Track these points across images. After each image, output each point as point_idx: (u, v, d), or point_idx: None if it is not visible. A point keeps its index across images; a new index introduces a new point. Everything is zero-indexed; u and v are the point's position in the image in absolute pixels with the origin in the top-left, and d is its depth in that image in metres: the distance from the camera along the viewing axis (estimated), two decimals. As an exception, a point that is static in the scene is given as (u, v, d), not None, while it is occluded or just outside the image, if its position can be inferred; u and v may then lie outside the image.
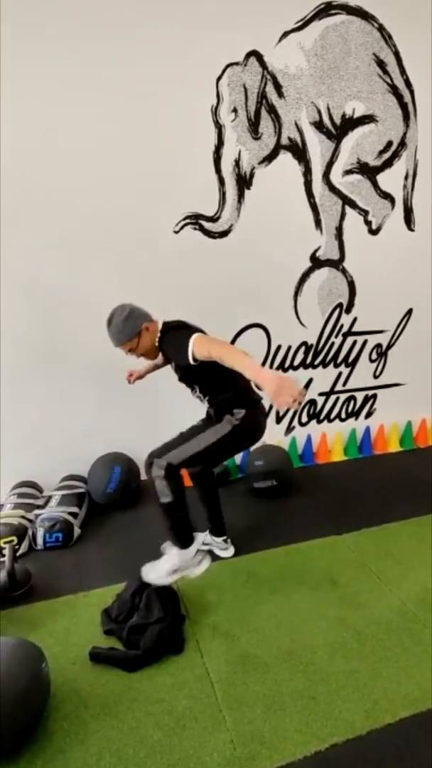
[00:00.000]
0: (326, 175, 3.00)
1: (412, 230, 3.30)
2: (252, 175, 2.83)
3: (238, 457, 3.26)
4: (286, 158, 2.88)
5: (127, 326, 1.83)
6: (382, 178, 3.13)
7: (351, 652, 1.76)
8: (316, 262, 3.14)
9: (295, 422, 3.43)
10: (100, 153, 2.52)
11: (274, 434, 3.37)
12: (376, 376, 3.56)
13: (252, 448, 3.16)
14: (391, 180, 3.15)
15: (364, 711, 1.53)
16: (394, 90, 3.00)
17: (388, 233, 3.23)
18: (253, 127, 2.77)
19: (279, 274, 3.08)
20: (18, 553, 2.33)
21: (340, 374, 3.45)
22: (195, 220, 2.78)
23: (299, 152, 2.90)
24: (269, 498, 2.87)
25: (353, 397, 3.55)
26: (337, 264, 3.19)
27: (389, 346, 3.51)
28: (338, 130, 2.95)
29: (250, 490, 2.93)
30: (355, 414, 3.60)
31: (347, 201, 3.09)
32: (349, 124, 2.96)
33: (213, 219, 2.82)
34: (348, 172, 3.04)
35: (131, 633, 1.77)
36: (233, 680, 1.65)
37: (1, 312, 2.57)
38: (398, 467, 3.34)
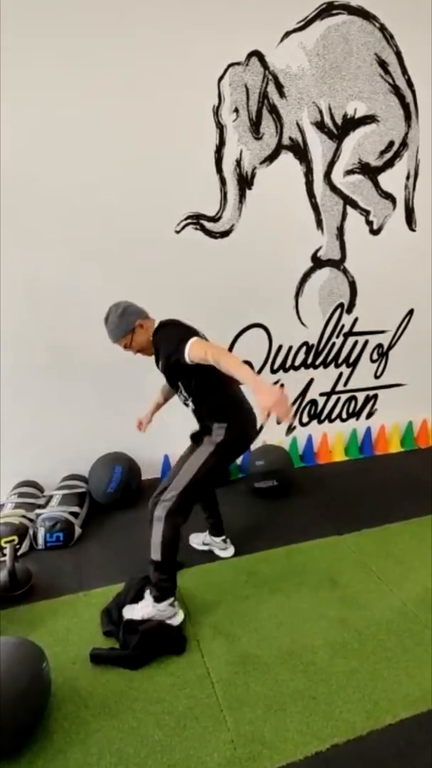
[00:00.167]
0: (327, 175, 3.00)
1: (414, 230, 3.30)
2: (253, 175, 2.83)
3: (239, 458, 3.26)
4: (287, 158, 2.88)
5: (122, 323, 1.83)
6: (384, 179, 3.13)
7: (352, 652, 1.75)
8: (318, 262, 3.14)
9: (296, 422, 3.43)
10: (101, 153, 2.52)
11: (275, 434, 3.36)
12: (377, 377, 3.56)
13: (253, 448, 3.17)
14: (392, 180, 3.15)
15: (365, 711, 1.53)
16: (396, 90, 3.00)
17: (389, 233, 3.23)
18: (255, 127, 2.77)
19: (280, 274, 3.08)
20: (19, 553, 2.33)
21: (341, 374, 3.45)
22: (196, 220, 2.78)
23: (301, 152, 2.90)
24: (270, 498, 2.87)
25: (354, 398, 3.54)
26: (338, 264, 3.19)
27: (390, 347, 3.51)
28: (340, 130, 2.95)
29: (250, 490, 2.92)
30: (356, 414, 3.59)
31: (348, 201, 3.09)
32: (351, 124, 2.96)
33: (214, 219, 2.82)
34: (349, 172, 3.04)
35: (125, 632, 1.77)
36: (234, 680, 1.65)
37: (1, 312, 2.57)
38: (399, 467, 3.34)
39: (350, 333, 3.37)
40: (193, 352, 1.64)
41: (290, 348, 3.24)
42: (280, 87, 2.76)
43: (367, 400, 3.58)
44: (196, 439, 1.90)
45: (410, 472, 3.26)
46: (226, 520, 2.34)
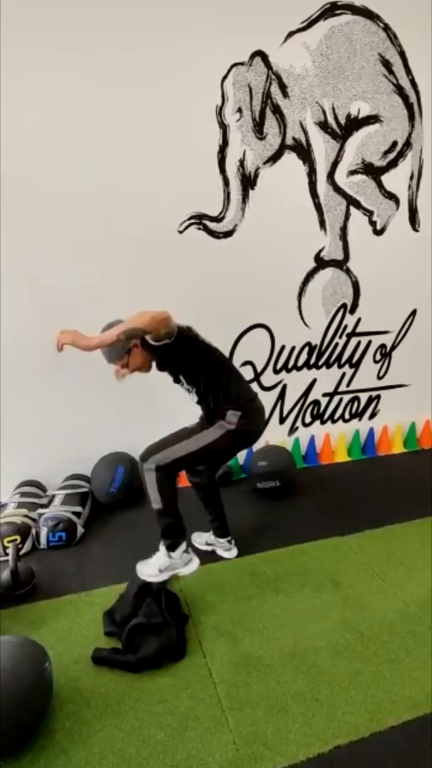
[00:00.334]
0: (331, 176, 2.99)
1: (417, 230, 3.29)
2: (256, 175, 2.83)
3: (242, 458, 3.26)
4: (290, 158, 2.88)
5: (116, 346, 1.84)
6: (387, 179, 3.12)
7: (354, 653, 1.75)
8: (321, 263, 3.13)
9: (299, 423, 3.43)
10: (103, 153, 2.52)
11: (277, 435, 3.36)
12: (380, 377, 3.55)
13: (255, 449, 3.17)
14: (396, 180, 3.14)
15: (367, 713, 1.53)
16: (400, 90, 2.99)
17: (392, 234, 3.23)
18: (258, 127, 2.76)
19: (283, 275, 3.08)
20: (21, 552, 2.34)
21: (344, 375, 3.44)
22: (199, 220, 2.78)
23: (304, 152, 2.90)
24: (272, 499, 2.87)
25: (357, 398, 3.54)
26: (341, 264, 3.19)
27: (393, 347, 3.50)
28: (343, 130, 2.94)
29: (253, 490, 2.92)
30: (359, 415, 3.59)
31: (352, 201, 3.08)
32: (354, 124, 2.95)
33: (217, 219, 2.81)
34: (353, 173, 3.03)
35: (131, 635, 1.76)
36: (236, 681, 1.65)
37: (5, 312, 2.58)
38: (402, 468, 3.34)
39: (353, 333, 3.36)
40: (142, 321, 1.65)
41: (293, 348, 3.24)
42: (283, 87, 2.76)
43: (369, 400, 3.58)
44: (209, 420, 1.88)
45: (413, 473, 3.25)
46: (229, 520, 2.34)
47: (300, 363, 3.29)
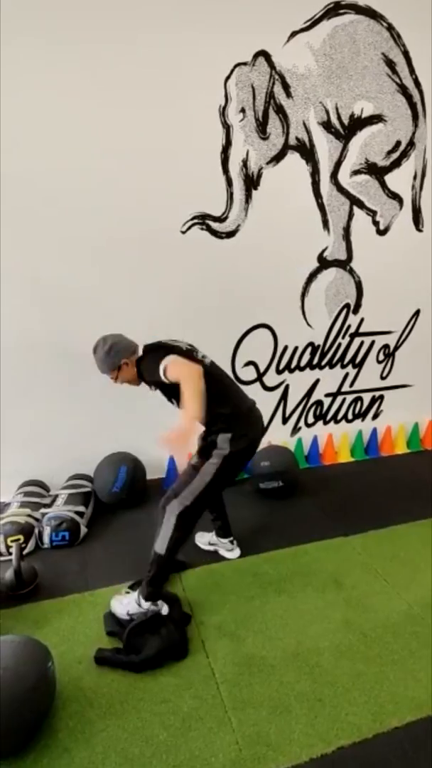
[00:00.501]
0: (334, 176, 2.99)
1: (421, 230, 3.28)
2: (260, 175, 2.83)
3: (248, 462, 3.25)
4: (293, 158, 2.87)
5: (107, 360, 1.87)
6: (391, 178, 3.11)
7: (357, 654, 1.75)
8: (324, 263, 3.13)
9: (302, 423, 3.43)
10: (106, 153, 2.52)
11: (280, 435, 3.36)
12: (383, 377, 3.54)
13: (258, 449, 3.16)
14: (399, 180, 3.13)
15: (371, 714, 1.52)
16: (403, 90, 2.99)
17: (396, 234, 3.22)
18: (261, 127, 2.76)
19: (286, 275, 3.07)
20: (24, 552, 2.34)
21: (347, 375, 3.43)
22: (202, 220, 2.78)
23: (307, 152, 2.89)
24: (275, 499, 2.86)
25: (360, 398, 3.53)
26: (344, 264, 3.18)
27: (396, 347, 3.49)
28: (346, 130, 2.93)
29: (256, 490, 2.92)
30: (362, 415, 3.58)
31: (355, 201, 3.07)
32: (358, 123, 2.94)
33: (220, 219, 2.81)
34: (356, 173, 3.03)
35: (132, 635, 1.76)
36: (238, 681, 1.65)
37: (8, 312, 2.58)
38: (405, 469, 3.33)
39: (356, 333, 3.35)
40: (169, 372, 1.68)
41: (296, 348, 3.23)
42: (286, 87, 2.75)
43: (373, 401, 3.57)
44: (205, 453, 1.89)
45: (416, 473, 3.24)
46: (231, 520, 2.34)
47: (303, 363, 3.29)
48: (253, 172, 2.81)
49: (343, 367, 3.40)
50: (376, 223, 3.17)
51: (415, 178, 3.17)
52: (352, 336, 3.35)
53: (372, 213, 3.14)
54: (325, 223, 3.05)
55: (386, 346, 3.46)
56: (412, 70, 2.97)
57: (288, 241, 2.99)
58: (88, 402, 2.84)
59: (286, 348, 3.21)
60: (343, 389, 3.46)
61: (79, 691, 1.61)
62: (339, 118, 2.90)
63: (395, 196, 3.16)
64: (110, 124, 2.49)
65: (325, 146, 2.92)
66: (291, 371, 3.27)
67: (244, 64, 2.64)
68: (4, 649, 1.45)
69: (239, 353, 3.10)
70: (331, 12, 2.74)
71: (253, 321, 3.08)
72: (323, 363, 3.34)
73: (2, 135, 2.36)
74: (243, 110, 2.70)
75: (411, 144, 3.09)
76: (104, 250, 2.65)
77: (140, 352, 1.90)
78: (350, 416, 3.55)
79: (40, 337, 2.67)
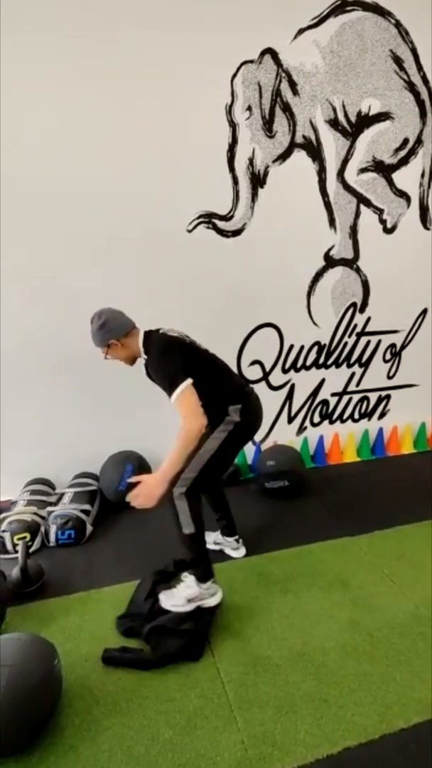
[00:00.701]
0: (341, 174, 2.97)
1: (428, 229, 3.26)
2: (266, 173, 2.82)
3: (250, 457, 3.25)
4: (300, 156, 2.86)
5: (97, 336, 1.86)
6: (398, 176, 3.09)
7: (363, 655, 1.74)
8: (330, 261, 3.11)
9: (307, 422, 3.41)
10: (112, 152, 2.52)
11: (286, 434, 3.35)
12: (389, 377, 3.52)
13: (263, 448, 3.16)
14: (407, 178, 3.11)
15: (377, 715, 1.52)
16: (411, 87, 2.96)
17: (403, 232, 3.20)
18: (268, 125, 2.75)
19: (292, 273, 3.06)
20: (31, 550, 2.35)
21: (353, 374, 3.42)
22: (208, 218, 2.77)
23: (314, 150, 2.88)
24: (281, 498, 2.86)
25: (366, 398, 3.51)
26: (351, 263, 3.16)
27: (403, 347, 3.47)
28: (353, 127, 2.92)
29: (261, 490, 2.92)
30: (368, 415, 3.56)
31: (362, 199, 3.06)
32: (365, 121, 2.93)
33: (226, 218, 2.81)
34: (363, 170, 3.01)
35: (152, 633, 1.77)
36: (244, 681, 1.64)
37: (12, 312, 2.59)
38: (412, 469, 3.31)
39: (363, 333, 3.34)
40: (179, 404, 1.68)
41: (302, 347, 3.22)
42: (293, 85, 2.74)
43: (379, 400, 3.55)
44: (214, 421, 1.87)
45: (423, 473, 3.22)
46: (237, 520, 2.33)
47: (309, 362, 3.28)
48: (260, 171, 2.80)
49: (350, 366, 3.39)
50: (383, 222, 3.15)
51: (423, 175, 3.14)
52: (359, 335, 3.33)
53: (379, 211, 3.12)
54: (332, 222, 3.04)
55: (393, 346, 3.44)
56: (420, 67, 2.95)
57: (294, 240, 2.98)
58: (94, 401, 2.85)
59: (292, 347, 3.20)
60: (350, 389, 3.45)
61: (85, 689, 1.62)
62: (346, 115, 2.88)
63: (403, 194, 3.13)
64: (114, 122, 2.49)
65: (331, 144, 2.90)
66: (297, 370, 3.26)
67: (251, 61, 2.63)
68: (11, 647, 1.46)
69: (245, 352, 3.09)
70: (338, 9, 2.72)
71: (258, 320, 3.07)
72: (329, 362, 3.33)
73: (5, 135, 2.36)
74: (249, 108, 2.69)
75: (419, 141, 3.06)
76: (108, 249, 2.65)
77: (140, 336, 1.87)
78: (356, 416, 3.53)
79: (45, 336, 2.68)
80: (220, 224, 2.80)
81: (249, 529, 2.49)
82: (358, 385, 3.46)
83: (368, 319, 3.32)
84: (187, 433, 1.66)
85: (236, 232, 2.85)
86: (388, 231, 3.18)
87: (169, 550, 2.25)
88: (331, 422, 3.48)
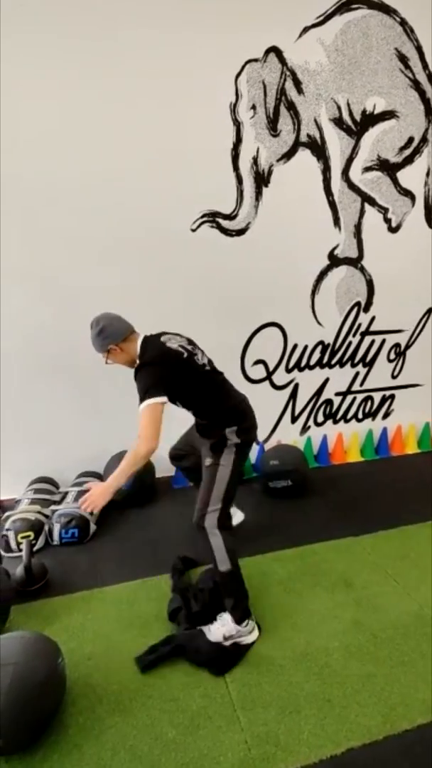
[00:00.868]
0: (345, 173, 2.96)
1: (433, 228, 3.24)
2: (270, 172, 2.81)
3: (253, 456, 3.25)
4: (304, 155, 2.85)
5: (97, 341, 1.87)
6: (403, 175, 3.07)
7: (367, 655, 1.73)
8: (334, 261, 3.10)
9: (311, 422, 3.41)
10: (117, 152, 2.52)
11: (289, 434, 3.35)
12: (394, 377, 3.51)
13: (267, 447, 3.16)
14: (411, 177, 3.09)
15: (381, 716, 1.51)
16: (416, 85, 2.95)
17: (408, 231, 3.18)
18: (272, 124, 2.74)
19: (296, 273, 3.05)
20: (34, 549, 2.36)
21: (357, 374, 3.41)
22: (212, 218, 2.77)
23: (318, 149, 2.87)
24: (284, 498, 2.85)
25: (370, 398, 3.50)
26: (355, 262, 3.15)
27: (408, 346, 3.46)
28: (358, 126, 2.90)
29: (264, 489, 2.91)
30: (372, 414, 3.55)
31: (366, 198, 3.04)
32: (370, 120, 2.91)
33: (230, 217, 2.80)
34: (368, 169, 3.00)
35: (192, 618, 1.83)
36: (247, 681, 1.64)
37: (17, 312, 2.60)
38: (416, 469, 3.30)
39: (367, 332, 3.33)
40: (143, 415, 1.71)
41: (306, 347, 3.21)
42: (298, 83, 2.73)
43: (383, 400, 3.54)
44: (217, 448, 1.89)
45: (427, 473, 3.21)
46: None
47: (313, 362, 3.27)
48: (264, 170, 2.79)
49: (354, 365, 3.38)
50: (387, 221, 3.13)
51: (428, 174, 3.12)
52: (363, 334, 3.32)
53: (384, 210, 3.10)
54: (336, 221, 3.03)
55: (397, 345, 3.43)
56: (425, 65, 2.93)
57: (298, 239, 2.97)
58: (98, 400, 2.85)
59: (295, 346, 3.19)
60: (354, 388, 3.44)
61: (89, 688, 1.62)
62: (351, 114, 2.87)
63: (407, 193, 3.12)
64: (120, 123, 2.49)
65: (336, 143, 2.89)
66: (301, 370, 3.25)
67: (255, 60, 2.63)
68: (15, 645, 1.47)
69: (249, 352, 3.09)
70: (343, 7, 2.71)
71: (262, 319, 3.06)
72: (333, 362, 3.32)
73: (6, 135, 2.36)
74: (254, 107, 2.68)
75: (424, 140, 3.05)
76: (112, 249, 2.65)
77: (138, 340, 1.87)
78: (360, 415, 3.52)
79: (48, 336, 2.68)
80: (224, 223, 2.80)
81: (252, 529, 2.48)
82: (362, 384, 3.45)
83: (372, 319, 3.31)
84: (136, 455, 1.69)
85: (240, 232, 2.84)
86: (393, 230, 3.16)
87: (172, 549, 2.26)
88: (335, 422, 3.47)
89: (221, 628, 1.78)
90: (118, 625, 1.90)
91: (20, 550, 2.28)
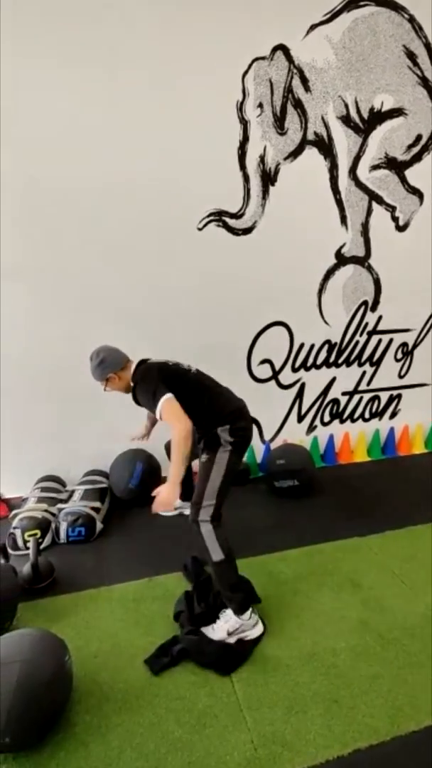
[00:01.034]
0: (353, 171, 2.94)
1: (441, 226, 3.22)
2: (277, 171, 2.80)
3: (259, 455, 3.24)
4: (311, 154, 2.84)
5: (97, 372, 1.98)
6: (411, 173, 3.05)
7: (374, 656, 1.73)
8: (342, 259, 3.09)
9: (318, 421, 3.39)
10: (123, 151, 2.52)
11: (295, 433, 3.34)
12: (401, 376, 3.49)
13: (273, 447, 3.15)
14: (419, 175, 3.07)
15: (388, 717, 1.50)
16: (425, 82, 2.92)
17: (415, 230, 3.16)
18: (279, 122, 2.73)
19: (303, 271, 3.04)
20: (41, 547, 2.37)
21: (364, 373, 3.39)
22: (219, 216, 2.76)
23: (325, 147, 2.85)
24: (291, 497, 2.84)
25: (377, 397, 3.48)
26: (362, 261, 3.13)
27: (415, 346, 3.44)
28: (366, 124, 2.89)
29: (270, 489, 2.90)
30: (379, 414, 3.53)
31: (374, 197, 3.02)
32: (378, 117, 2.89)
33: (237, 216, 2.80)
34: (375, 167, 2.98)
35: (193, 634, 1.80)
36: (254, 680, 1.64)
37: (27, 315, 2.61)
38: (423, 469, 3.27)
39: (374, 331, 3.31)
40: (165, 415, 1.77)
41: (312, 346, 3.20)
42: (305, 81, 2.72)
43: (390, 399, 3.52)
44: (211, 446, 1.91)
45: (435, 473, 3.19)
46: (247, 518, 2.33)
47: (319, 361, 3.25)
48: (271, 168, 2.78)
49: (361, 365, 3.36)
50: (395, 219, 3.11)
51: (436, 172, 3.10)
52: (370, 334, 3.30)
53: (391, 208, 3.08)
54: (343, 219, 3.01)
55: (405, 344, 3.41)
56: (434, 62, 2.90)
57: (305, 238, 2.96)
58: (104, 400, 2.84)
59: (302, 346, 3.18)
60: (360, 388, 3.42)
61: (96, 686, 1.62)
62: (358, 111, 2.85)
63: (415, 191, 3.10)
64: (128, 122, 2.49)
65: (343, 141, 2.87)
66: (307, 369, 3.24)
67: (263, 58, 2.62)
68: (23, 642, 1.47)
69: (255, 351, 3.08)
70: (350, 4, 2.69)
71: (268, 318, 3.06)
72: (340, 361, 3.30)
73: (10, 135, 2.37)
74: (261, 105, 2.67)
75: (432, 138, 3.02)
76: (119, 248, 2.65)
77: (132, 367, 1.96)
78: (367, 415, 3.50)
79: (59, 338, 2.69)
80: (231, 222, 2.79)
81: (258, 528, 2.48)
82: (369, 384, 3.43)
83: (380, 318, 3.29)
84: (178, 435, 1.73)
85: (247, 230, 2.84)
86: (401, 228, 3.14)
87: (178, 547, 2.26)
88: (342, 421, 3.45)
89: (224, 625, 1.80)
90: (124, 624, 1.90)
91: (27, 548, 2.30)
